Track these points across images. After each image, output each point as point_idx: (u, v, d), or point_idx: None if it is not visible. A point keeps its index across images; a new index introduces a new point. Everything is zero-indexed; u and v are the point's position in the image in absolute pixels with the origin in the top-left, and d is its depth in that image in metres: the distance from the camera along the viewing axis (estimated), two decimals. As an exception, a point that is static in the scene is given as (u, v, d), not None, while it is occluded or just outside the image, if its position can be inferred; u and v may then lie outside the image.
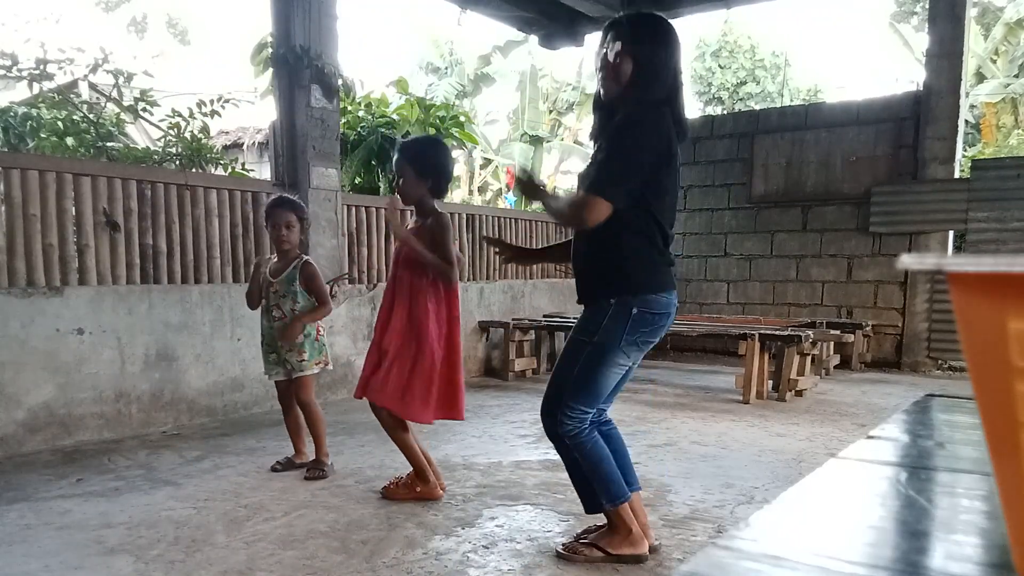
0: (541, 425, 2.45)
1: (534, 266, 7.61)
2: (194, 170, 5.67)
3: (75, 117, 6.14)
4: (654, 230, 2.30)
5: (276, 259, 3.55)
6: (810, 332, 5.62)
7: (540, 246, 2.80)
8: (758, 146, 8.01)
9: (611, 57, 2.31)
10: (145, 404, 4.42)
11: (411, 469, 3.16)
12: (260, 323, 3.58)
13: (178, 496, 3.16)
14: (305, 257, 3.53)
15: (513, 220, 7.38)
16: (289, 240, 3.46)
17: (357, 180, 7.56)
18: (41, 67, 5.48)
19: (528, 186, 2.39)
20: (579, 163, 16.21)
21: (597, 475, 2.38)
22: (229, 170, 6.36)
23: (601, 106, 2.42)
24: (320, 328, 3.58)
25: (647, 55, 2.28)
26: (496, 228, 7.12)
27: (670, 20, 2.38)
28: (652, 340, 2.37)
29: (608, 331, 2.29)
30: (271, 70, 5.53)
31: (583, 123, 18.44)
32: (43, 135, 6.07)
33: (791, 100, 19.10)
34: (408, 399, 2.97)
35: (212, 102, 6.02)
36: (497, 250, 2.85)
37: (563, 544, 2.52)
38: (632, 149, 2.21)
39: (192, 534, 2.70)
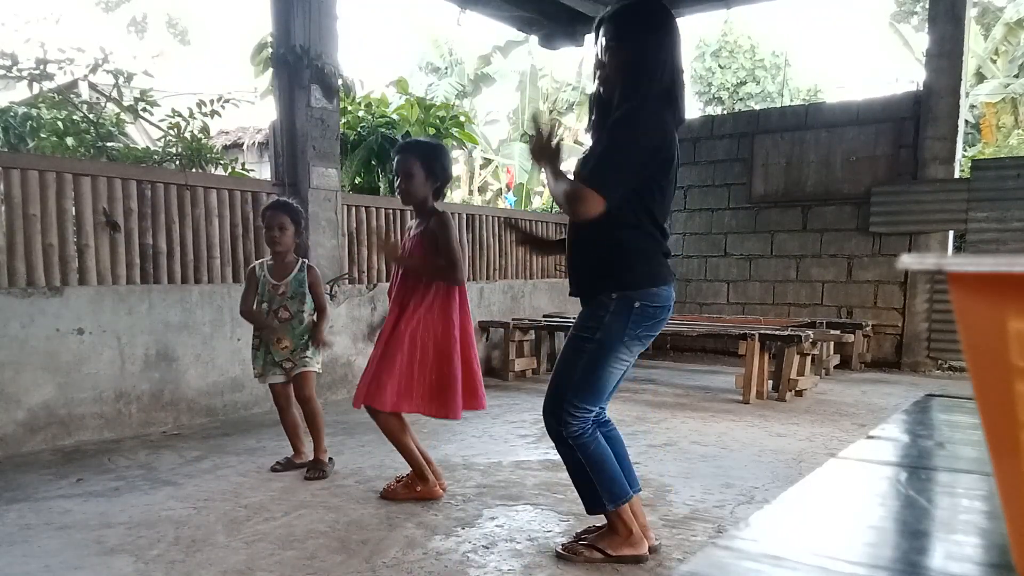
0: (542, 425, 2.43)
1: (534, 266, 7.63)
2: (194, 170, 5.66)
3: (75, 117, 6.13)
4: (650, 224, 2.27)
5: (270, 260, 3.57)
6: (810, 332, 5.61)
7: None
8: (758, 146, 8.01)
9: (603, 55, 2.25)
10: (145, 404, 4.42)
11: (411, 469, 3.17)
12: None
13: (178, 496, 3.16)
14: (306, 260, 3.61)
15: (513, 220, 7.38)
16: (282, 242, 3.48)
17: (357, 180, 7.57)
18: (41, 67, 5.48)
19: (542, 147, 2.28)
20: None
21: (600, 476, 2.36)
22: (229, 170, 6.36)
23: (600, 100, 2.35)
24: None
25: (640, 47, 2.21)
26: (496, 228, 7.12)
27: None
28: (652, 334, 2.35)
29: (610, 328, 2.26)
30: (271, 70, 5.53)
31: (583, 123, 18.41)
32: (43, 135, 6.07)
33: (791, 100, 19.09)
34: (442, 401, 2.98)
35: (212, 102, 6.01)
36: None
37: (563, 544, 2.51)
38: (630, 146, 2.17)
39: (192, 534, 2.70)
